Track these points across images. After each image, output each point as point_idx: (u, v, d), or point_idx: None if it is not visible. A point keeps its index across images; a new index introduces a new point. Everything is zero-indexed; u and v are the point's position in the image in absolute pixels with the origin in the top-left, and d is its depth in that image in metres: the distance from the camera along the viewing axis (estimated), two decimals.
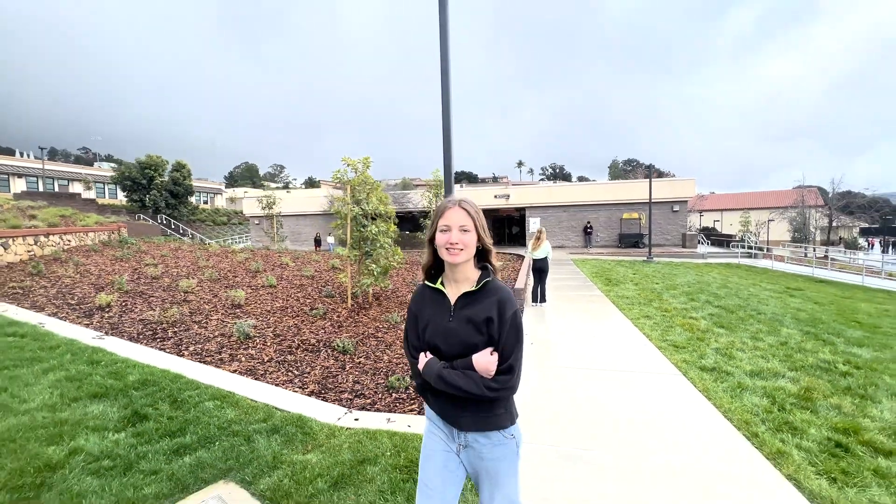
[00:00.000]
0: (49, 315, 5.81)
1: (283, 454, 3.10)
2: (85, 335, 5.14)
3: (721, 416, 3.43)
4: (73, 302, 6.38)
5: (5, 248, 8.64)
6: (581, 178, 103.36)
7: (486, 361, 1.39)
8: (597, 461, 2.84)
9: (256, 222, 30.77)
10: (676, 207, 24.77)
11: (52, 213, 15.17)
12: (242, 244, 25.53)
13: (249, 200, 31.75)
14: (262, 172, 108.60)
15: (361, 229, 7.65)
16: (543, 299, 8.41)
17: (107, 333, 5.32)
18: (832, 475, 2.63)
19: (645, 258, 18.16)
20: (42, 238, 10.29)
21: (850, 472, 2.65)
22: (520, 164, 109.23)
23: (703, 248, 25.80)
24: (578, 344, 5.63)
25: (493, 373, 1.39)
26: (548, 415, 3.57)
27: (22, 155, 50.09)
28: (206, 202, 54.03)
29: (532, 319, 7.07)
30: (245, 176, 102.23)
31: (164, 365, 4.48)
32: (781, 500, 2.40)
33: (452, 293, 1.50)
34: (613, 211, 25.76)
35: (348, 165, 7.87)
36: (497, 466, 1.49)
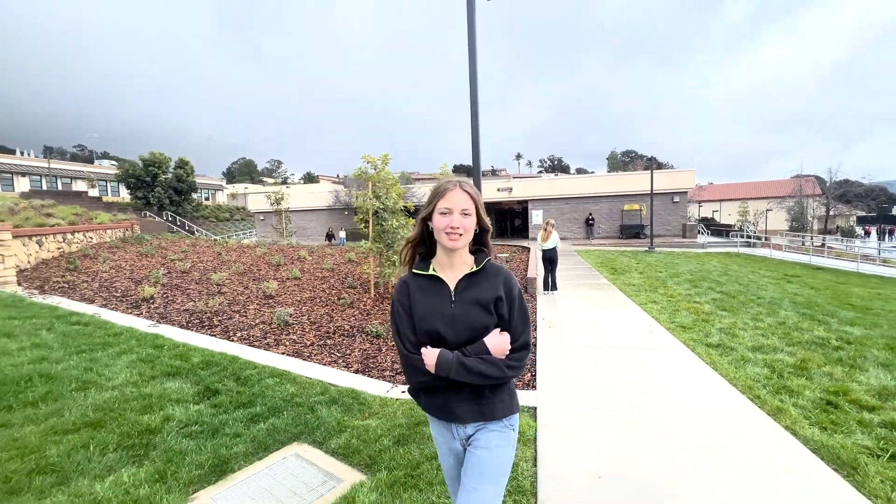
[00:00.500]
0: (100, 306, 6.24)
1: (345, 420, 3.54)
2: (140, 324, 5.57)
3: (727, 382, 3.90)
4: (117, 294, 6.81)
5: (40, 246, 9.03)
6: (579, 170, 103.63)
7: (501, 342, 1.36)
8: (621, 418, 3.30)
9: (262, 218, 31.10)
10: (676, 198, 25.20)
11: (67, 212, 15.52)
12: (250, 239, 25.91)
13: (255, 196, 32.05)
14: (259, 168, 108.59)
15: (382, 223, 8.07)
16: (554, 287, 8.86)
17: (158, 322, 5.76)
18: (823, 425, 3.10)
19: (647, 248, 18.62)
20: (69, 235, 10.69)
21: (838, 422, 3.13)
22: (518, 156, 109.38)
23: (703, 238, 26.29)
24: (593, 326, 6.09)
25: (507, 352, 1.37)
26: (574, 385, 4.03)
27: (23, 154, 50.16)
28: (207, 198, 54.15)
29: (546, 306, 7.53)
30: (243, 171, 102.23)
31: (220, 349, 4.93)
32: (780, 444, 2.87)
33: (450, 277, 1.43)
34: (615, 202, 26.18)
35: (368, 163, 8.27)
36: (488, 457, 1.39)
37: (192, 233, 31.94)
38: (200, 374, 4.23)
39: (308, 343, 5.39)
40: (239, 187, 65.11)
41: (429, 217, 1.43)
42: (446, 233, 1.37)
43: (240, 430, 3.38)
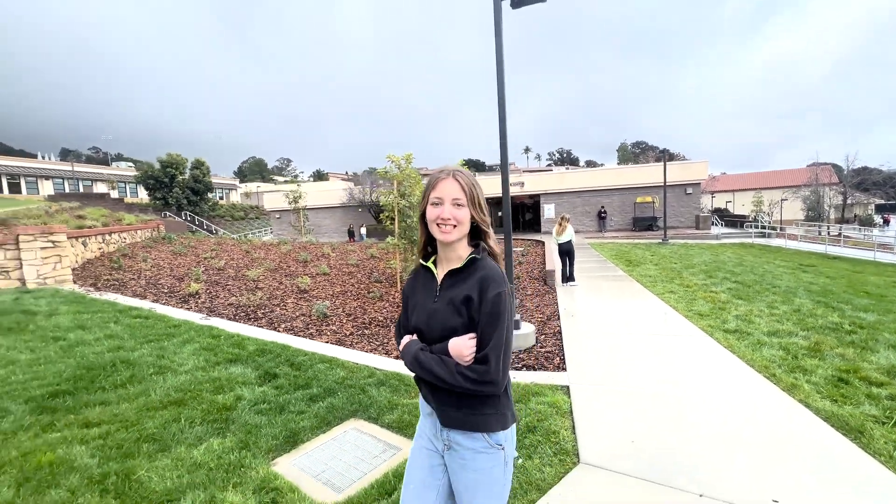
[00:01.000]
0: (153, 302, 6.74)
1: (394, 399, 3.93)
2: (193, 317, 6.04)
3: (744, 363, 4.21)
4: (165, 291, 7.30)
5: (85, 246, 9.59)
6: (589, 162, 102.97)
7: (460, 346, 1.26)
8: (648, 394, 3.64)
9: (277, 216, 31.75)
10: (689, 190, 25.18)
11: (97, 213, 16.19)
12: (266, 237, 26.60)
13: (271, 195, 32.70)
14: (269, 166, 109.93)
15: (406, 219, 8.44)
16: (572, 279, 9.18)
17: (208, 315, 6.22)
18: (834, 398, 3.41)
19: (660, 240, 18.75)
20: (107, 236, 11.27)
21: (848, 396, 3.43)
22: (527, 149, 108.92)
23: (717, 230, 26.25)
24: (614, 315, 6.41)
25: (467, 359, 1.25)
26: (602, 367, 4.37)
27: (44, 157, 51.60)
28: (221, 198, 55.11)
29: (567, 297, 7.85)
30: (254, 170, 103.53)
31: (270, 338, 5.35)
32: (794, 414, 3.19)
33: (441, 273, 1.39)
34: (627, 195, 26.23)
35: (392, 162, 8.63)
36: (477, 480, 1.32)
37: (211, 232, 32.75)
38: (258, 361, 4.65)
39: (348, 333, 5.80)
40: (251, 186, 66.13)
41: (425, 212, 1.36)
42: (437, 224, 1.31)
43: (302, 407, 3.78)
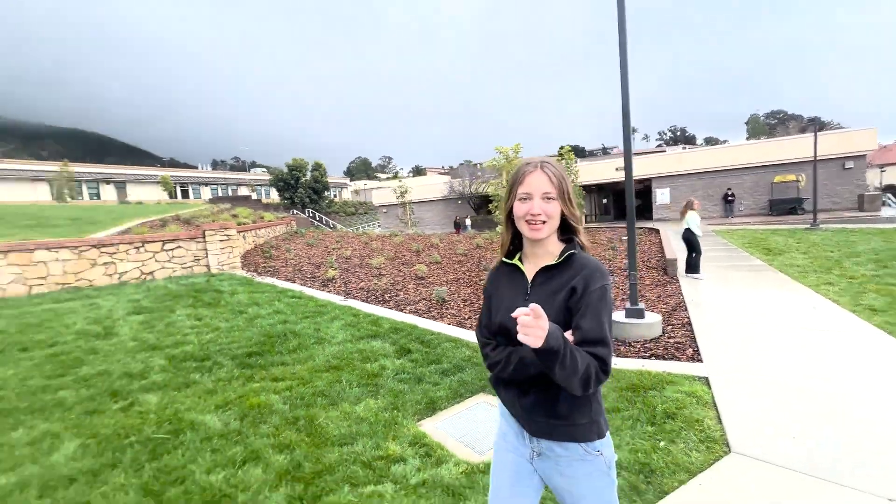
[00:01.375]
0: (301, 285, 7.94)
1: None
2: (334, 298, 6.99)
3: None
4: (308, 276, 8.54)
5: (244, 239, 11.60)
6: (709, 140, 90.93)
7: None
8: (819, 391, 3.29)
9: (384, 210, 34.24)
10: (849, 164, 20.88)
11: (246, 213, 19.19)
12: (376, 230, 28.95)
13: (379, 191, 35.38)
14: (373, 164, 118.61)
15: None
16: (695, 270, 8.39)
17: (346, 297, 7.13)
18: None
19: (808, 225, 15.96)
20: (258, 231, 13.42)
21: None
22: (633, 130, 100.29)
23: (890, 211, 21.36)
24: (758, 307, 5.76)
25: None
26: (741, 360, 4.03)
27: (201, 168, 62.70)
28: (335, 196, 60.98)
29: (691, 288, 7.25)
30: (360, 169, 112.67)
31: (399, 319, 5.96)
32: None
33: (531, 269, 1.29)
34: (761, 174, 22.73)
35: (500, 153, 8.81)
36: (580, 486, 1.25)
37: (329, 226, 36.65)
38: (393, 337, 5.24)
39: (466, 317, 6.17)
40: (359, 184, 72.13)
41: (511, 209, 1.28)
42: (526, 221, 1.23)
43: (436, 380, 4.19)
